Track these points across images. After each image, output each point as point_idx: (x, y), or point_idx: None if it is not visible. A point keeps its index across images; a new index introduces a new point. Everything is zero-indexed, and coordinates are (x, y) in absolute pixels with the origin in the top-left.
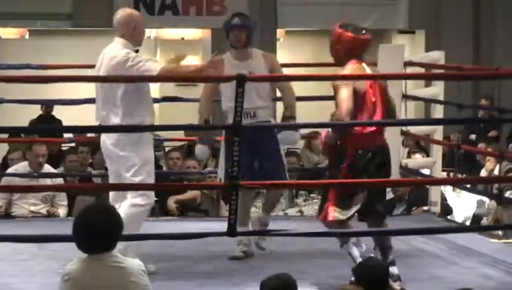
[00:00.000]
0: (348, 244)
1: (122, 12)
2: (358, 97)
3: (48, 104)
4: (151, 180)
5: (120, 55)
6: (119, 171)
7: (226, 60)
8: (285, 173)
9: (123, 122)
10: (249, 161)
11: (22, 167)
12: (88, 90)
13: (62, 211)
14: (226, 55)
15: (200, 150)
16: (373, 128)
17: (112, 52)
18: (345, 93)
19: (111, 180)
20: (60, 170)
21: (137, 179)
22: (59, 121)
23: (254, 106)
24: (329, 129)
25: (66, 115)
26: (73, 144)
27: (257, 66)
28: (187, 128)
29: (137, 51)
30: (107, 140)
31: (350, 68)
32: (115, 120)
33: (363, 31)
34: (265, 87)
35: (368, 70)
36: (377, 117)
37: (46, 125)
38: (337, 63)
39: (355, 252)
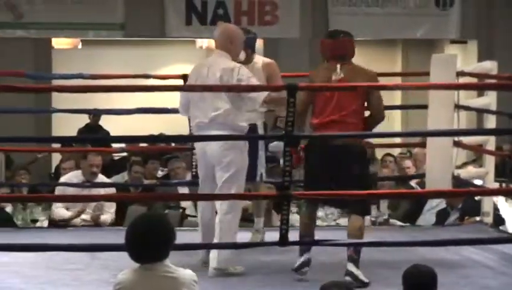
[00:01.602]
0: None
1: (220, 27)
2: (313, 94)
3: (95, 114)
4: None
5: (237, 67)
6: (216, 176)
7: None
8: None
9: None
10: None
11: (75, 176)
12: (138, 99)
13: (107, 217)
14: None
15: None
16: (320, 121)
17: (226, 63)
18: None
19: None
20: (117, 179)
21: (234, 185)
22: (106, 131)
23: None
24: None
25: (113, 124)
26: (125, 154)
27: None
28: (242, 138)
29: None
30: (213, 145)
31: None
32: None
33: (341, 35)
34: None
35: (338, 70)
36: (329, 110)
37: (94, 134)
38: None
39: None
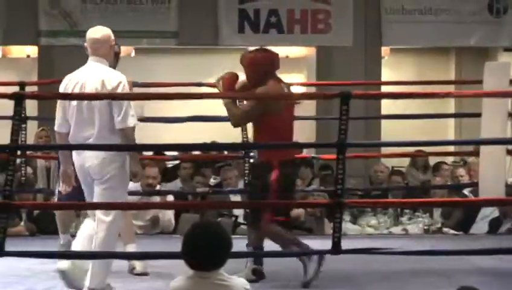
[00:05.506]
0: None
1: (97, 29)
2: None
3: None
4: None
5: (117, 80)
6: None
7: None
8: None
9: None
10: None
11: (134, 186)
12: (191, 108)
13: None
14: None
15: None
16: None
17: (105, 73)
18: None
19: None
20: (169, 187)
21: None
22: None
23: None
24: None
25: (166, 133)
26: (177, 162)
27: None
28: (268, 146)
29: None
30: (94, 160)
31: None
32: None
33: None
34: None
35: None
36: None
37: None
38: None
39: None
